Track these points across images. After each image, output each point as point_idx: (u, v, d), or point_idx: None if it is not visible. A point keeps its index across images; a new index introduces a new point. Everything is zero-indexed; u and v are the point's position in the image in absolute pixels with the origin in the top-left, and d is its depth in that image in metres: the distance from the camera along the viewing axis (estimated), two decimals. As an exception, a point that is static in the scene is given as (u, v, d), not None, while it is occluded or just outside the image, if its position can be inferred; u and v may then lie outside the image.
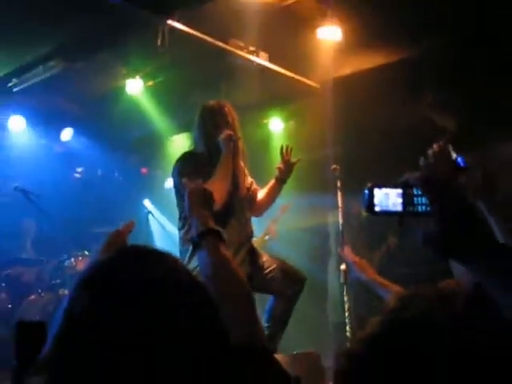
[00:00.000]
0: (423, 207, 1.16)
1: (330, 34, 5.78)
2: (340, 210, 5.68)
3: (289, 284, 4.26)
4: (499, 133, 6.62)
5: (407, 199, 1.17)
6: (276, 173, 4.41)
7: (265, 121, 8.04)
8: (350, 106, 6.46)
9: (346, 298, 5.24)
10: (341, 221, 5.60)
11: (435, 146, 2.12)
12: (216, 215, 3.78)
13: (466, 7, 5.23)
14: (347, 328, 5.10)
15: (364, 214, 1.22)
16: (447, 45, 5.73)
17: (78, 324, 1.04)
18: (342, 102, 6.39)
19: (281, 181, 4.43)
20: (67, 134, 8.16)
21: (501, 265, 1.07)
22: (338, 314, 5.41)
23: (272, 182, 4.44)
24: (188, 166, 3.99)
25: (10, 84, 6.52)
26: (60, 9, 5.36)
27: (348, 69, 6.46)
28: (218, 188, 3.76)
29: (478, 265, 1.08)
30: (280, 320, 4.29)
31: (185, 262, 3.82)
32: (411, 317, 0.98)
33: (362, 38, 5.91)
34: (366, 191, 1.18)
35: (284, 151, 4.37)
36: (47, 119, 7.88)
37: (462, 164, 2.09)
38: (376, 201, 1.17)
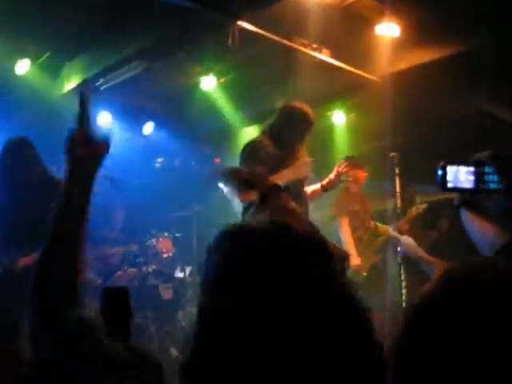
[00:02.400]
0: (494, 184, 1.14)
1: (387, 30, 5.70)
2: (398, 194, 5.63)
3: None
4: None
5: (479, 177, 1.16)
6: (324, 181, 4.39)
7: (328, 113, 7.99)
8: (408, 99, 6.37)
9: (403, 277, 5.21)
10: (399, 205, 5.56)
11: None
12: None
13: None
14: (404, 304, 5.07)
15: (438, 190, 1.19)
16: (503, 37, 5.57)
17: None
18: (400, 94, 6.30)
19: (325, 189, 4.42)
20: (148, 127, 8.33)
21: None
22: (397, 292, 5.36)
23: (317, 187, 4.43)
24: (261, 150, 4.05)
25: (97, 83, 6.68)
26: (140, 15, 5.51)
27: (405, 63, 6.35)
28: (286, 178, 3.90)
29: None
30: None
31: None
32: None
33: (418, 33, 5.81)
34: (440, 169, 1.17)
35: (341, 166, 4.34)
36: (131, 114, 8.06)
37: None
38: (449, 177, 1.16)
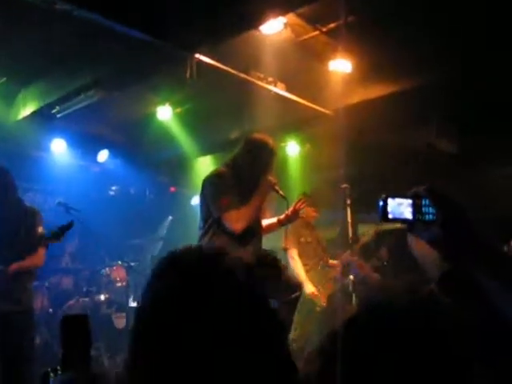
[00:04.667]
0: (430, 216, 1.23)
1: (340, 66, 5.88)
2: (349, 224, 5.78)
3: (288, 290, 4.36)
4: (497, 157, 6.69)
5: (416, 209, 1.26)
6: (282, 216, 4.45)
7: (282, 144, 8.12)
8: (360, 131, 6.56)
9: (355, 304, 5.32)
10: (350, 234, 5.69)
11: None
12: (241, 236, 4.03)
13: (471, 40, 5.30)
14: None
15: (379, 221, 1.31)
16: (451, 75, 5.81)
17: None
18: (353, 127, 6.46)
19: (281, 224, 4.48)
20: (103, 155, 8.30)
21: (499, 271, 1.12)
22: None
23: (274, 221, 4.49)
24: (225, 182, 4.12)
25: (53, 111, 6.69)
26: (99, 45, 5.56)
27: (357, 97, 6.54)
28: (249, 213, 4.04)
29: (478, 269, 1.13)
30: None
31: None
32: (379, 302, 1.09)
33: (370, 69, 6.02)
34: (381, 201, 1.26)
35: (299, 202, 4.41)
36: (86, 142, 8.06)
37: None
38: (389, 209, 1.26)
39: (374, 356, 1.02)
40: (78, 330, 1.92)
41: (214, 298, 1.08)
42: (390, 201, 1.26)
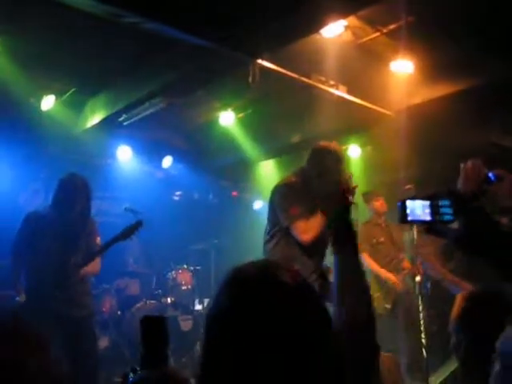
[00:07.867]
0: (448, 216, 1.24)
1: (402, 67, 5.84)
2: (414, 226, 5.70)
3: None
4: None
5: (435, 210, 1.26)
6: None
7: (344, 147, 8.08)
8: (422, 132, 6.47)
9: (420, 308, 5.26)
10: (415, 235, 5.62)
11: (468, 163, 2.18)
12: (313, 245, 4.01)
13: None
14: (422, 335, 5.11)
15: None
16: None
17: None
18: (415, 128, 6.40)
19: None
20: (167, 161, 8.45)
21: None
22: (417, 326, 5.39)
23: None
24: (295, 191, 4.08)
25: (120, 119, 6.85)
26: (163, 53, 5.69)
27: (419, 98, 6.47)
28: (318, 224, 3.96)
29: (496, 260, 1.14)
30: None
31: None
32: None
33: (432, 69, 5.95)
34: (400, 203, 1.27)
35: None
36: (150, 148, 8.24)
37: (492, 178, 2.15)
38: (408, 211, 1.27)
39: None
40: (157, 330, 1.99)
41: (272, 311, 1.14)
42: (408, 203, 1.26)
